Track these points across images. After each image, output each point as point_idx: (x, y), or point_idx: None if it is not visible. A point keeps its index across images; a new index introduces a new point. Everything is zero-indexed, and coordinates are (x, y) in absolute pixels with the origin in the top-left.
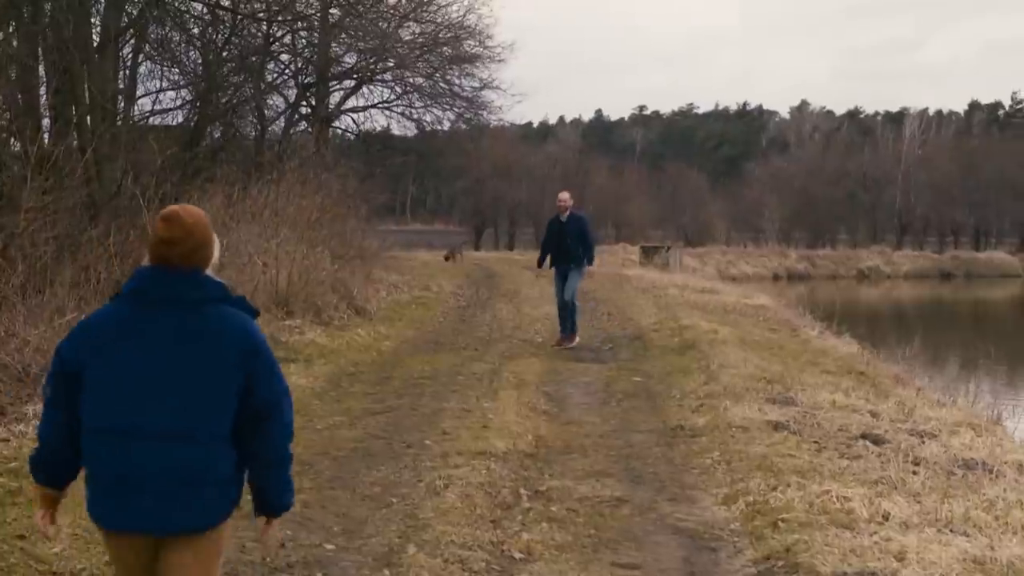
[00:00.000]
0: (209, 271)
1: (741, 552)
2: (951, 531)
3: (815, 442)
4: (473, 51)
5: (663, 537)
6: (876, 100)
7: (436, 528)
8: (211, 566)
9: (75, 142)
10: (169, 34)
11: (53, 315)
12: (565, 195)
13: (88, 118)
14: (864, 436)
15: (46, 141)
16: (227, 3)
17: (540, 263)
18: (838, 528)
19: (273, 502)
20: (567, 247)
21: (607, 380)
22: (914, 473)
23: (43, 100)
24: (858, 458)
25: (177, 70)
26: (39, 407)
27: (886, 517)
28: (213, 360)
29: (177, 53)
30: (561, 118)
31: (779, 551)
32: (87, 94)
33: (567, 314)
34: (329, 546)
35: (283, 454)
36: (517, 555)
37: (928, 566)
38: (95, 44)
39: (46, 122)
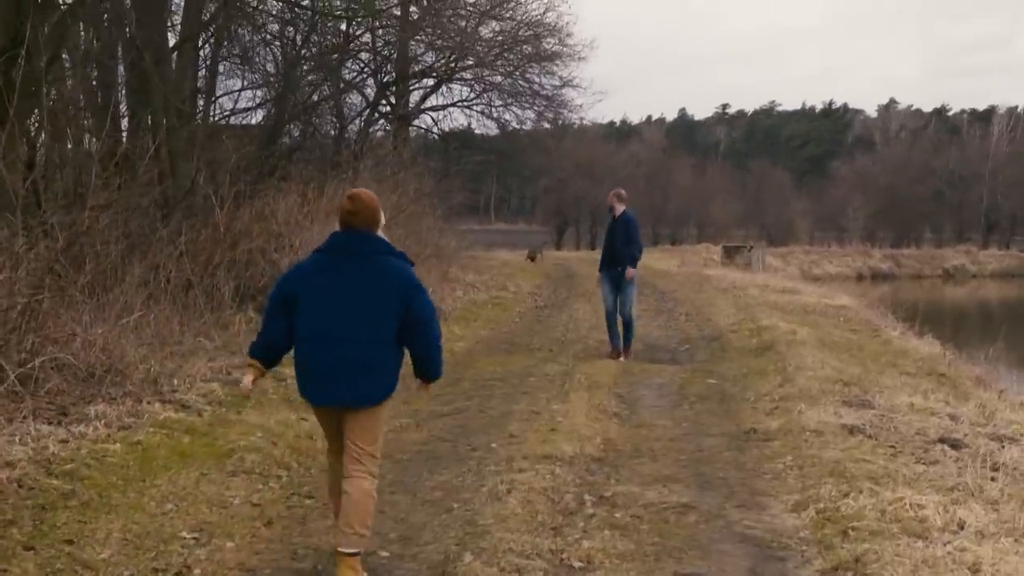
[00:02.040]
0: (380, 232)
1: (809, 562)
2: None
3: (891, 447)
4: (553, 49)
5: (729, 545)
6: (964, 97)
7: (495, 535)
8: (378, 428)
9: (150, 141)
10: (247, 34)
11: (120, 314)
12: (618, 191)
13: (163, 118)
14: (942, 440)
15: (124, 140)
16: (306, 1)
17: (600, 268)
18: (910, 537)
19: (428, 375)
20: (616, 250)
21: (681, 382)
22: (992, 479)
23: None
24: (935, 463)
25: (255, 69)
26: (103, 408)
27: (961, 526)
28: (380, 291)
29: (255, 52)
30: (647, 117)
31: (848, 561)
32: (160, 93)
33: (626, 326)
34: (384, 553)
35: (433, 349)
36: (576, 564)
37: None
38: (171, 44)
39: (125, 122)
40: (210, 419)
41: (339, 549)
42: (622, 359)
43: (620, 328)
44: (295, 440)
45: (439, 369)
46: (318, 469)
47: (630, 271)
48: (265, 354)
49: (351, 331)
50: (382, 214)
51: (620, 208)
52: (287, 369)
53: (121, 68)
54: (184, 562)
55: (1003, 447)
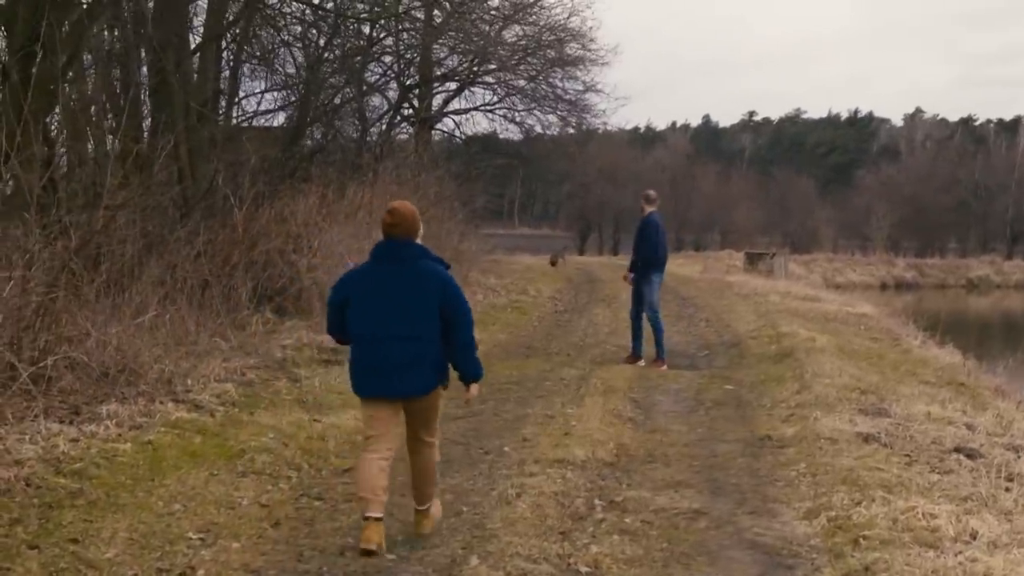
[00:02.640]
0: (418, 240)
1: (819, 570)
2: None
3: (906, 455)
4: (576, 54)
5: (738, 552)
6: (990, 107)
7: (502, 539)
8: (430, 413)
9: (170, 142)
10: (270, 35)
11: (136, 313)
12: (646, 192)
13: (183, 118)
14: (958, 450)
15: (144, 140)
16: (329, 4)
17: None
18: (921, 547)
19: (468, 374)
20: (640, 252)
21: (698, 388)
22: (1007, 490)
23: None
24: (949, 473)
25: (278, 71)
26: (115, 407)
27: (973, 536)
28: (422, 292)
29: (277, 54)
30: (672, 123)
31: (858, 570)
32: (180, 94)
33: (653, 330)
34: (390, 556)
35: (468, 345)
36: (584, 569)
37: None
38: (193, 46)
39: (147, 123)
40: (222, 419)
41: (417, 507)
42: (659, 367)
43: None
44: (307, 441)
45: (474, 368)
46: (329, 471)
47: (628, 275)
48: (335, 332)
49: (395, 329)
50: (420, 224)
51: (648, 209)
52: (301, 370)
53: (144, 69)
54: (188, 563)
55: (1019, 457)
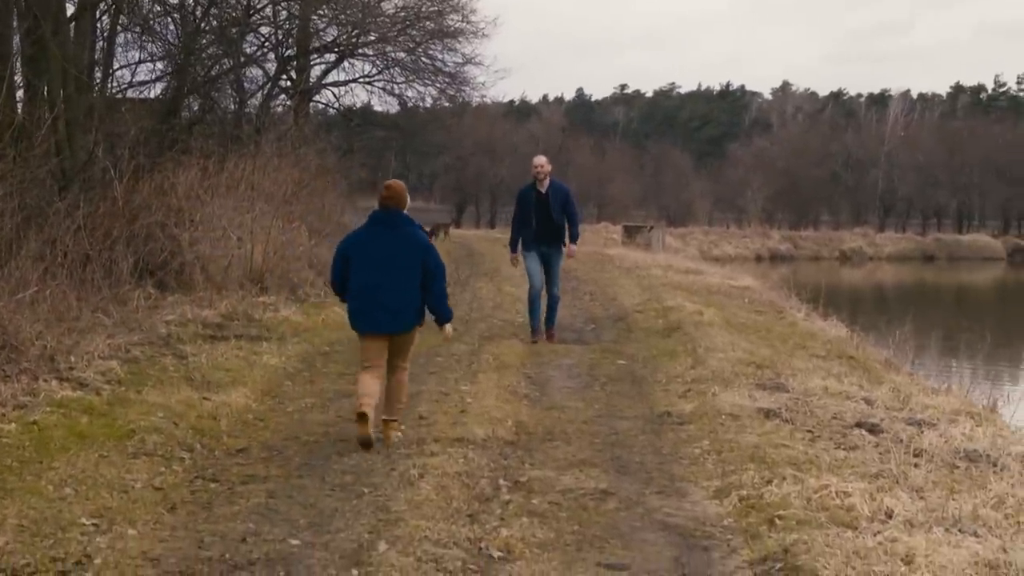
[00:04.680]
0: (405, 211)
1: (736, 552)
2: (960, 531)
3: (808, 431)
4: (456, 25)
5: (652, 534)
6: (865, 83)
7: (409, 522)
8: (409, 346)
9: (47, 113)
10: (146, 4)
11: (15, 289)
12: (542, 159)
13: (61, 88)
14: (860, 425)
15: (19, 111)
16: None
17: (514, 245)
18: (839, 527)
19: (443, 316)
20: (551, 224)
21: (590, 363)
22: (915, 466)
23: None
24: (855, 449)
25: (154, 41)
26: None
27: (889, 515)
28: (409, 251)
29: (154, 24)
30: (544, 96)
31: (777, 552)
32: (59, 64)
33: (551, 307)
34: (294, 541)
35: (443, 294)
36: (496, 553)
37: (938, 570)
38: (69, 13)
39: (21, 93)
40: (109, 398)
41: (384, 418)
42: (542, 342)
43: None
44: (198, 421)
45: (447, 312)
46: (222, 451)
47: (573, 248)
48: (342, 289)
49: (387, 280)
50: (408, 198)
51: (548, 176)
52: (186, 346)
53: (17, 38)
54: (84, 551)
55: (922, 432)
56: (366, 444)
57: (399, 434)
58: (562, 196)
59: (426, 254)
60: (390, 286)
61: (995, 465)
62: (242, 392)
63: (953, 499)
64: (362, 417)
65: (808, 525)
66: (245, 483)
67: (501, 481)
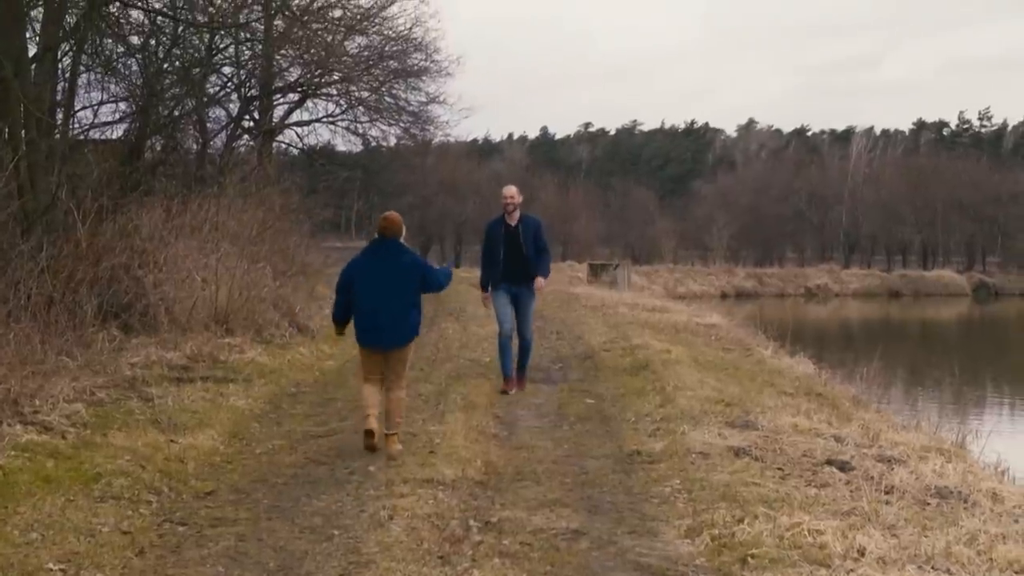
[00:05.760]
0: (401, 239)
1: None
2: (933, 568)
3: (779, 469)
4: (420, 65)
5: (624, 574)
6: (830, 119)
7: (380, 565)
8: (406, 360)
9: (9, 155)
10: (109, 45)
11: None
12: (512, 190)
13: (23, 131)
14: (830, 462)
15: None
16: (169, 12)
17: (485, 285)
18: (812, 565)
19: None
20: (521, 258)
21: (559, 402)
22: (887, 503)
23: None
24: (826, 486)
25: (117, 82)
26: None
27: (862, 552)
28: (405, 276)
29: (117, 64)
30: (509, 135)
31: None
32: (20, 106)
33: (524, 350)
34: None
35: (438, 287)
36: None
37: None
38: (31, 54)
39: None
40: (74, 442)
41: (385, 432)
42: (514, 391)
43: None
44: (164, 463)
45: (445, 284)
46: (190, 494)
47: (541, 281)
48: (343, 315)
49: (387, 301)
50: (403, 227)
51: (518, 209)
52: (152, 388)
53: None
54: None
55: (892, 469)
56: (372, 449)
57: (399, 446)
58: (533, 229)
59: (425, 275)
60: (388, 308)
61: (966, 502)
62: (209, 434)
63: (925, 536)
64: (369, 434)
65: (781, 563)
66: (214, 526)
67: (471, 522)
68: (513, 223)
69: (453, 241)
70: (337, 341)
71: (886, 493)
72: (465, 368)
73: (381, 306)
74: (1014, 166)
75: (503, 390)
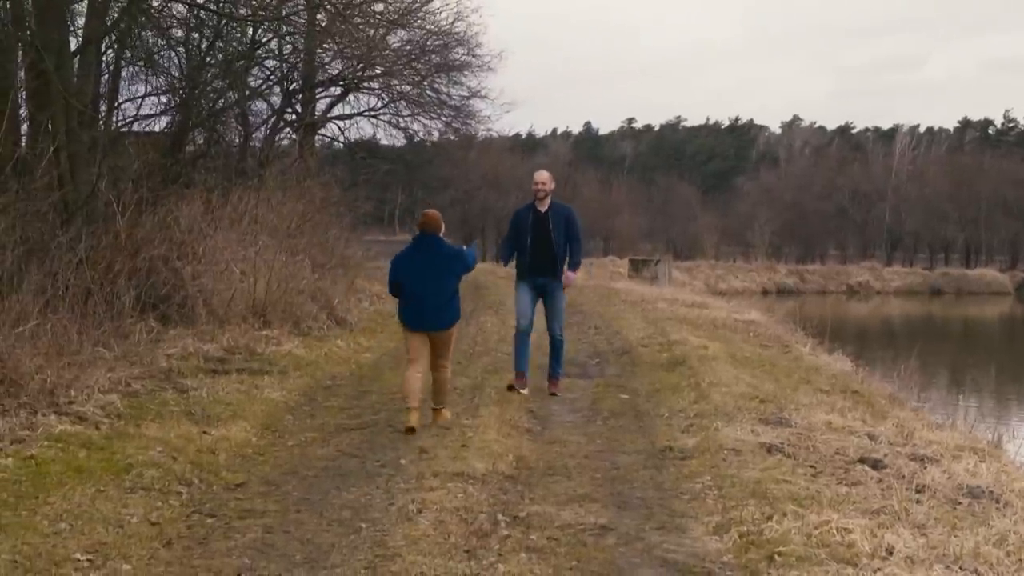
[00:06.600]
0: (440, 234)
1: None
2: (961, 568)
3: (811, 467)
4: (462, 59)
5: (650, 571)
6: (873, 117)
7: (406, 558)
8: (451, 342)
9: (50, 146)
10: (151, 38)
11: (16, 322)
12: (545, 175)
13: (64, 122)
14: (862, 460)
15: (22, 144)
16: (212, 5)
17: (506, 259)
18: (839, 563)
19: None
20: (550, 248)
21: (593, 397)
22: (917, 502)
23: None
24: (857, 484)
25: (159, 75)
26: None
27: (890, 551)
28: (446, 266)
29: (159, 58)
30: (552, 130)
31: None
32: (62, 98)
33: (554, 350)
34: None
35: (467, 267)
36: None
37: None
38: (73, 48)
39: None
40: (108, 432)
41: (433, 407)
42: (525, 391)
43: (536, 351)
44: (196, 455)
45: (472, 264)
46: (220, 486)
47: (571, 275)
48: (398, 291)
49: (431, 289)
50: (442, 223)
51: (549, 196)
52: (187, 380)
53: (22, 72)
54: None
55: (924, 468)
56: (412, 431)
57: (448, 415)
58: (564, 218)
59: (463, 259)
60: (431, 294)
61: (998, 502)
62: (242, 426)
63: (955, 536)
64: (412, 410)
65: (808, 562)
66: (242, 518)
67: (500, 516)
68: (543, 209)
69: (495, 236)
70: (375, 334)
71: (917, 492)
72: (502, 362)
73: (425, 292)
74: None
75: (510, 386)
